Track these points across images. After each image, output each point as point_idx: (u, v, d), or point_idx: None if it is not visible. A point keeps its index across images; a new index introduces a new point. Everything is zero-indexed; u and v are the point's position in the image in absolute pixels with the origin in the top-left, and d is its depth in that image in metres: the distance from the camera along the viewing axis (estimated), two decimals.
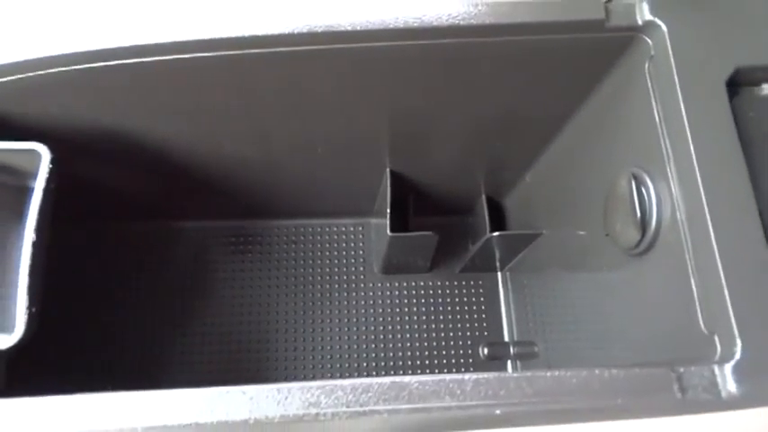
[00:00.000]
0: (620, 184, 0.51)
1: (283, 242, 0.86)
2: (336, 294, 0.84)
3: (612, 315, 0.60)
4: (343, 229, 0.87)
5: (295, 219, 0.86)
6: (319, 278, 0.84)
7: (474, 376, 0.38)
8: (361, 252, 0.86)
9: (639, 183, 0.49)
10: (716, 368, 0.39)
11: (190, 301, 0.82)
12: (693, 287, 0.44)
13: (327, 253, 0.86)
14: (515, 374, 0.38)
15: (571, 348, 0.73)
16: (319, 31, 0.49)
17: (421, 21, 0.49)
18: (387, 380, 0.37)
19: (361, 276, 0.85)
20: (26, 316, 0.49)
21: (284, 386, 0.38)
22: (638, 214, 0.48)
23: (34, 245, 0.50)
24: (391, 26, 0.49)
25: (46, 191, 0.52)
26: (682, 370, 0.39)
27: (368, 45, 0.50)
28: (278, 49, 0.49)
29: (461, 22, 0.50)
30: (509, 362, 0.83)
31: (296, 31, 0.48)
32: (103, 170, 0.70)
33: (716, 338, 0.41)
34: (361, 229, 0.87)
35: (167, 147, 0.65)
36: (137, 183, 0.74)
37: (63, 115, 0.58)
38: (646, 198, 0.48)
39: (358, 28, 0.49)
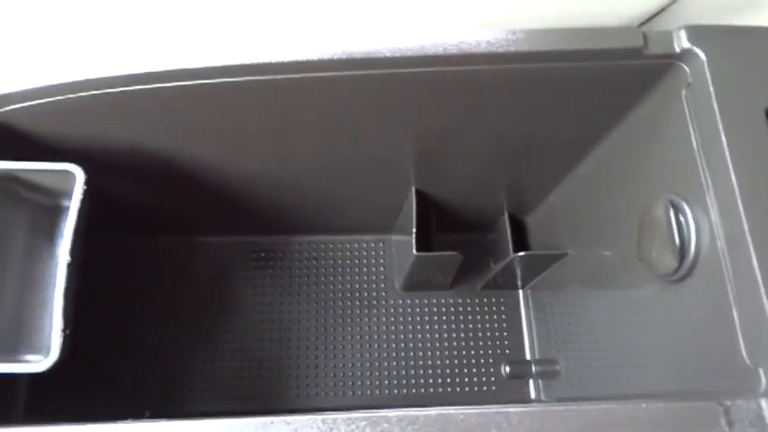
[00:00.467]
0: (656, 210, 0.51)
1: (304, 258, 0.86)
2: (357, 311, 0.84)
3: (642, 338, 0.60)
4: (365, 245, 0.87)
5: (316, 235, 0.86)
6: (340, 294, 0.84)
7: (520, 409, 0.37)
8: (382, 269, 0.86)
9: (677, 210, 0.49)
10: (762, 401, 0.39)
11: (211, 317, 0.81)
12: (735, 316, 0.44)
13: (348, 269, 0.86)
14: (561, 407, 0.38)
15: (594, 367, 0.73)
16: (358, 57, 0.49)
17: (459, 48, 0.49)
18: (433, 411, 0.37)
19: (382, 293, 0.85)
20: (61, 338, 0.48)
21: (329, 417, 0.38)
22: (677, 242, 0.48)
23: (69, 266, 0.50)
24: (430, 53, 0.49)
25: (80, 211, 0.52)
26: (728, 403, 0.38)
27: (405, 71, 0.50)
28: (315, 75, 0.50)
29: (499, 50, 0.50)
30: (531, 380, 0.83)
31: (335, 57, 0.49)
32: (128, 187, 0.70)
33: (760, 371, 0.40)
34: (382, 245, 0.87)
35: (195, 165, 0.65)
36: (160, 199, 0.75)
37: (95, 136, 0.58)
38: (684, 225, 0.48)
39: (397, 54, 0.49)
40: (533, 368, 0.82)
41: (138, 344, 0.79)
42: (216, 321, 0.81)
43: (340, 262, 0.86)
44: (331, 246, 0.86)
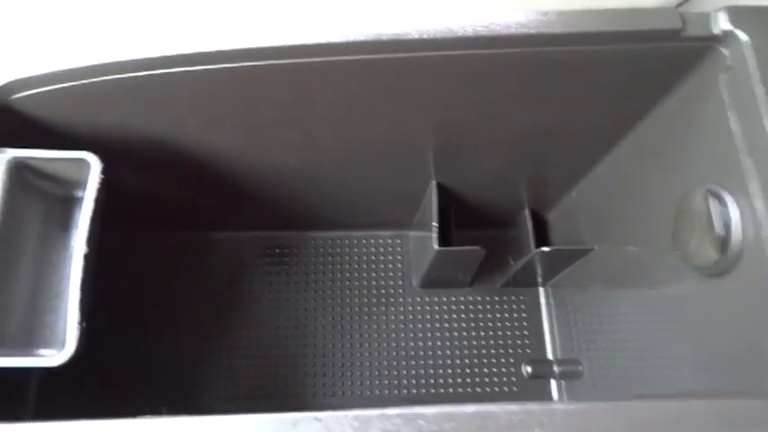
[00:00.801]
0: (695, 200, 0.49)
1: (320, 254, 0.84)
2: (374, 309, 0.82)
3: (674, 336, 0.58)
4: (381, 241, 0.85)
5: (332, 230, 0.84)
6: (357, 291, 0.82)
7: (563, 406, 0.35)
8: (399, 265, 0.84)
9: (717, 199, 0.47)
10: None
11: (226, 314, 0.80)
12: None
13: (365, 266, 0.84)
14: (607, 404, 0.36)
15: (619, 368, 0.71)
16: (385, 39, 0.47)
17: (489, 29, 0.47)
18: (471, 408, 0.35)
19: (400, 290, 0.83)
20: (77, 332, 0.47)
21: (362, 413, 0.36)
22: (718, 233, 0.46)
23: (86, 257, 0.48)
24: (458, 35, 0.47)
25: (96, 201, 0.50)
26: None
27: (432, 54, 0.49)
28: (339, 58, 0.48)
29: (530, 31, 0.48)
30: (553, 381, 0.81)
31: (360, 40, 0.47)
32: (141, 179, 0.69)
33: None
34: (399, 241, 0.85)
35: (212, 157, 0.63)
36: (174, 192, 0.73)
37: (110, 124, 0.57)
38: (725, 215, 0.46)
39: (425, 36, 0.47)
40: (555, 368, 0.80)
41: (151, 341, 0.77)
42: (230, 318, 0.79)
43: (356, 258, 0.84)
44: (347, 242, 0.85)
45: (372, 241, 0.85)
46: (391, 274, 0.84)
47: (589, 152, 0.68)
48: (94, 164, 0.51)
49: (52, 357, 0.45)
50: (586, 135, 0.64)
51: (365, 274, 0.83)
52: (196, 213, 0.78)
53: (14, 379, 0.67)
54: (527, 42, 0.48)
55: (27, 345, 0.49)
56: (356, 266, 0.83)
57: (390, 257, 0.85)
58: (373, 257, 0.84)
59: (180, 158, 0.63)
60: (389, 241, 0.85)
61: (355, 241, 0.85)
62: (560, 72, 0.53)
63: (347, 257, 0.84)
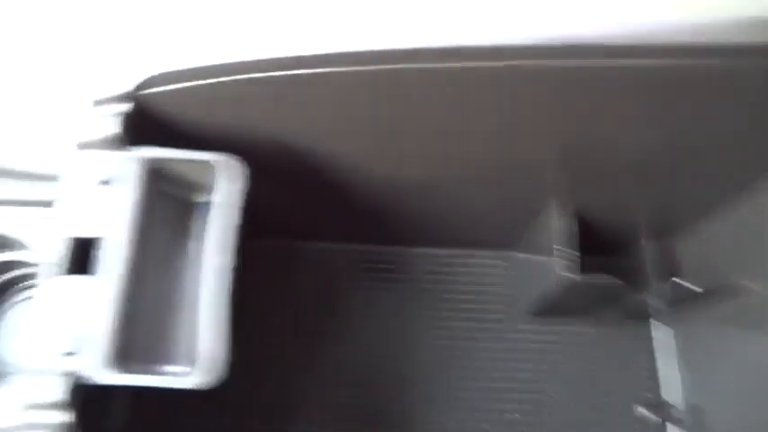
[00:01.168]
0: None
1: (421, 272, 0.79)
2: (476, 334, 0.76)
3: None
4: (487, 261, 0.80)
5: (436, 247, 0.79)
6: (460, 315, 0.77)
7: None
8: (503, 289, 0.79)
9: None
10: None
11: (315, 330, 0.75)
12: None
13: (466, 287, 0.79)
14: None
15: (752, 422, 0.64)
16: (558, 44, 0.42)
17: (669, 37, 0.42)
18: None
19: (503, 315, 0.77)
20: (229, 351, 0.43)
21: None
22: None
23: (236, 270, 0.45)
24: (622, 42, 0.43)
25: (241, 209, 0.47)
26: None
27: (594, 62, 0.44)
28: (511, 63, 0.43)
29: (704, 40, 0.43)
30: (668, 425, 0.74)
31: (531, 44, 0.42)
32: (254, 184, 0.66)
33: None
34: (505, 263, 0.80)
35: (330, 162, 0.60)
36: (277, 197, 0.69)
37: (232, 125, 0.54)
38: None
39: (604, 42, 0.42)
40: (672, 413, 0.73)
41: (236, 358, 0.73)
42: (320, 335, 0.75)
43: (459, 278, 0.79)
44: (448, 260, 0.79)
45: (474, 261, 0.80)
46: (496, 297, 0.78)
47: (733, 176, 0.62)
48: (238, 167, 0.48)
49: (201, 379, 0.42)
50: (731, 157, 0.58)
51: (468, 296, 0.78)
52: (291, 221, 0.75)
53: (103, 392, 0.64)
54: (695, 54, 0.43)
55: (151, 359, 0.46)
56: (459, 287, 0.78)
57: (494, 279, 0.79)
58: (476, 278, 0.79)
59: (297, 166, 0.60)
60: (492, 262, 0.80)
61: (458, 260, 0.79)
62: (712, 86, 0.47)
63: (450, 277, 0.79)
